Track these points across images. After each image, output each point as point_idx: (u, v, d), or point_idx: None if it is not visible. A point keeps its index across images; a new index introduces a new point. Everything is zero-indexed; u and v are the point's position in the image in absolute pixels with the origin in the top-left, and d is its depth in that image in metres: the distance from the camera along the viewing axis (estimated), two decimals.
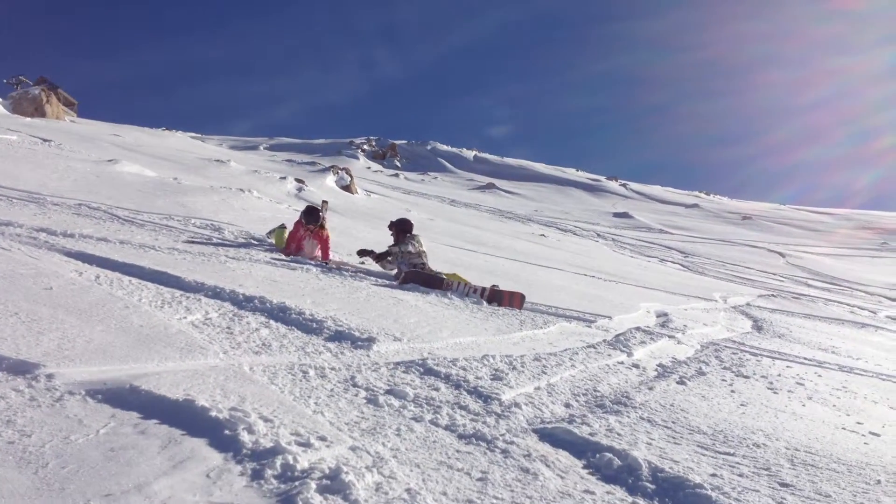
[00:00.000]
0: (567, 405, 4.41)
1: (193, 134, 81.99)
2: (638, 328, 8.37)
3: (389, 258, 9.80)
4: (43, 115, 36.23)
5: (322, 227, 10.10)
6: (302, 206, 13.41)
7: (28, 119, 31.38)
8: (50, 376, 3.10)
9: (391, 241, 10.17)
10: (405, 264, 9.62)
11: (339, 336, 5.03)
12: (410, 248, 9.75)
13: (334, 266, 9.30)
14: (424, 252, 9.95)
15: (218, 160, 29.74)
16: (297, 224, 9.94)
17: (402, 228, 10.21)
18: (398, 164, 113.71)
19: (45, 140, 21.19)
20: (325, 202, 10.99)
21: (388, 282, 8.71)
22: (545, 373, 5.07)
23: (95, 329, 3.95)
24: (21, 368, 3.14)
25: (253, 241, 10.22)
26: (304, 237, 9.86)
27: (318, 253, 9.96)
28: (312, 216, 10.08)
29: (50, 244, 6.69)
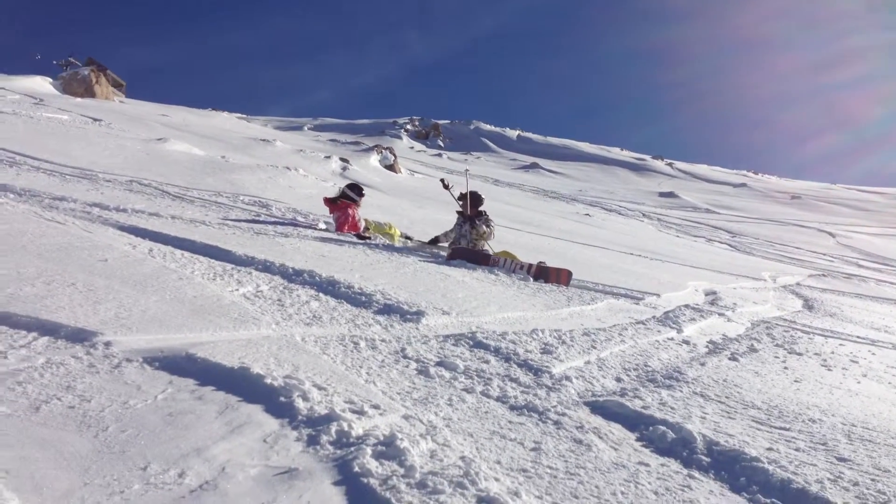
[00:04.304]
0: (618, 379, 4.37)
1: (239, 114, 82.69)
2: (687, 306, 8.27)
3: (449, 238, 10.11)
4: (92, 95, 36.90)
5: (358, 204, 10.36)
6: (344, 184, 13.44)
7: (78, 99, 31.96)
8: (108, 344, 3.15)
9: (452, 211, 10.28)
10: (466, 239, 9.78)
11: (388, 309, 5.04)
12: (483, 229, 9.86)
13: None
14: (486, 233, 9.94)
15: (264, 139, 29.99)
16: (351, 206, 10.03)
17: (474, 201, 10.30)
18: (441, 143, 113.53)
19: (95, 119, 21.58)
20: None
21: (434, 258, 8.71)
22: (595, 347, 5.03)
23: (151, 299, 4.01)
24: (80, 336, 3.19)
25: (299, 218, 10.29)
26: (359, 219, 10.04)
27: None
28: (356, 190, 10.48)
29: (103, 218, 6.80)
